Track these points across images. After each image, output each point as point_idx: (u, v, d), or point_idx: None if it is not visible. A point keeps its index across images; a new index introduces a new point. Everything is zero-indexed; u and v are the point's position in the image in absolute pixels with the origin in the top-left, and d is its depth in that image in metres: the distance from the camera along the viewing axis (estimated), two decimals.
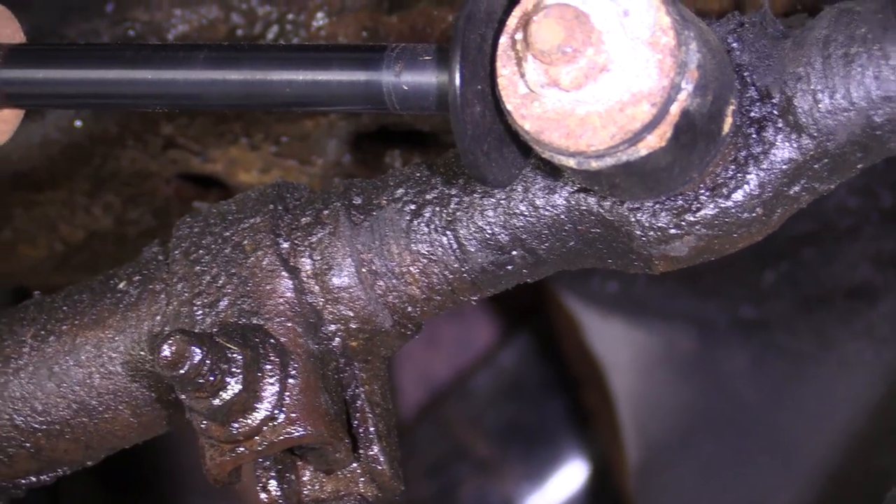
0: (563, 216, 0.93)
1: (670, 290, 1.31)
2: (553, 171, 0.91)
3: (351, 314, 0.97)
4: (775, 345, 1.29)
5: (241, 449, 0.92)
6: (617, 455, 1.43)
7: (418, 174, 0.97)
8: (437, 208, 0.95)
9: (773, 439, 1.29)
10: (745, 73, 0.89)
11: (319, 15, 1.06)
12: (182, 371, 0.90)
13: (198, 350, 0.90)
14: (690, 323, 1.33)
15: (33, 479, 1.05)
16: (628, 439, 1.36)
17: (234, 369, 0.92)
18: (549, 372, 1.71)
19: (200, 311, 0.96)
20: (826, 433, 1.24)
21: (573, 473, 1.70)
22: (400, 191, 0.97)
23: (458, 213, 0.95)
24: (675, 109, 0.81)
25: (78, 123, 1.18)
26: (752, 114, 0.89)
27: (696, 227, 0.90)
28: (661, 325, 1.34)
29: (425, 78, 0.86)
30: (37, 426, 1.02)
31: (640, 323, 1.35)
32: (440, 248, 0.95)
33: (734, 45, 0.89)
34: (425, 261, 0.96)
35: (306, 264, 0.96)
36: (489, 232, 0.94)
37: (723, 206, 0.90)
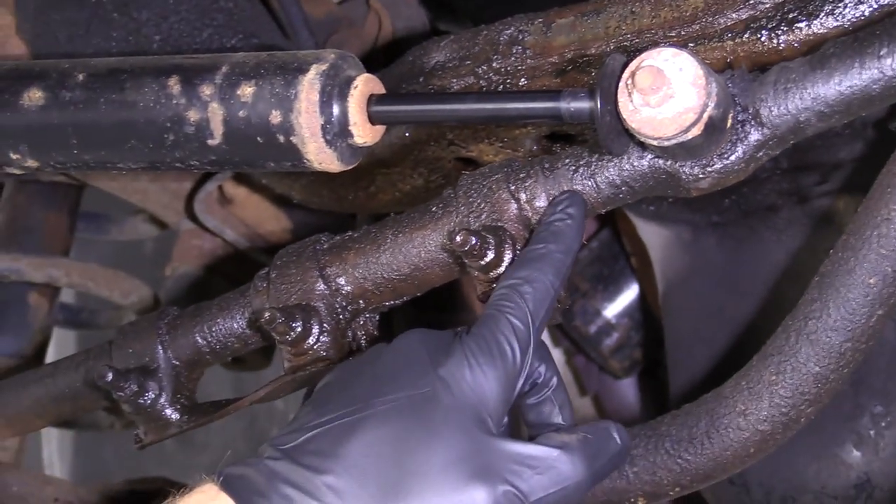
0: (647, 169, 0.93)
1: (678, 208, 1.30)
2: (643, 147, 0.92)
3: None
4: (729, 234, 1.28)
5: (494, 285, 0.93)
6: (651, 287, 1.43)
7: (575, 152, 0.98)
8: (585, 168, 0.96)
9: (731, 280, 1.26)
10: (735, 98, 0.90)
11: (523, 80, 1.09)
12: (465, 248, 0.92)
13: (473, 238, 0.92)
14: (688, 225, 1.33)
15: (392, 303, 1.06)
16: (658, 278, 1.35)
17: (489, 247, 0.93)
18: (617, 248, 1.71)
19: (473, 220, 0.98)
20: (764, 279, 1.21)
21: (629, 296, 1.70)
22: (567, 160, 0.97)
23: (596, 170, 0.95)
24: (705, 116, 0.84)
25: (406, 133, 1.20)
26: (739, 118, 0.90)
27: (713, 174, 0.91)
28: (673, 226, 1.34)
29: (583, 104, 0.87)
30: (394, 277, 1.03)
31: (663, 225, 1.35)
32: (587, 187, 0.96)
33: (730, 84, 0.91)
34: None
35: (523, 196, 0.97)
36: (611, 179, 0.95)
37: (725, 163, 0.91)
